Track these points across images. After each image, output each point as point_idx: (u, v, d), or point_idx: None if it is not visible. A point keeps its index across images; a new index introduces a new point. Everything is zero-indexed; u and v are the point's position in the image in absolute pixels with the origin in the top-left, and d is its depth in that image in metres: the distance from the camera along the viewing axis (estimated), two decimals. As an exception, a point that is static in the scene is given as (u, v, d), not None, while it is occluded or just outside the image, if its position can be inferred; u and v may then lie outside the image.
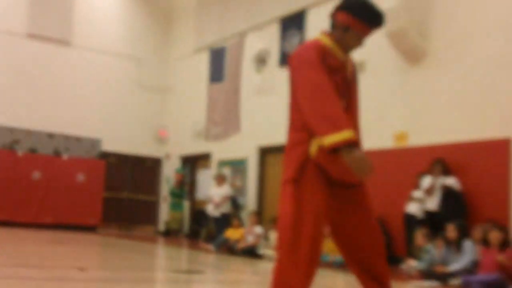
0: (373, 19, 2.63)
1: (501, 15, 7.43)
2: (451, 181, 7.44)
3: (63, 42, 13.26)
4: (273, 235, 9.24)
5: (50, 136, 12.93)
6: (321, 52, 2.59)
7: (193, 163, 13.61)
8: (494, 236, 6.59)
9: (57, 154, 12.94)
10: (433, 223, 7.45)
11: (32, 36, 12.85)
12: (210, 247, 9.74)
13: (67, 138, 13.18)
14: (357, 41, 2.69)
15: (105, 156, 13.65)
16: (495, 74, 7.38)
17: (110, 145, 13.71)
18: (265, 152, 11.33)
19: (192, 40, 13.63)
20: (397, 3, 8.00)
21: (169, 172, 13.72)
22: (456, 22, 7.93)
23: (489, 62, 7.45)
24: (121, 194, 14.01)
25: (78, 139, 13.32)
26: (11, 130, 12.45)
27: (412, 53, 8.26)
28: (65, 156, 12.93)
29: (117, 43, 14.02)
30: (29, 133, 12.61)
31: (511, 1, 7.37)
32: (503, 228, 6.72)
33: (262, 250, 9.04)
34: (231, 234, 9.78)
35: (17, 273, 4.63)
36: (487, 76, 7.46)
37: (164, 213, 13.74)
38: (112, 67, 13.90)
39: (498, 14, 7.47)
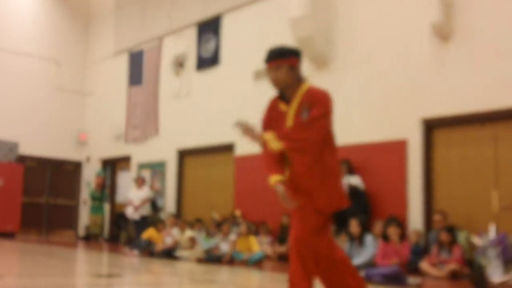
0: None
1: (396, 30, 8.01)
2: (355, 180, 7.92)
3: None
4: (186, 236, 9.46)
5: None
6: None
7: (113, 166, 13.59)
8: (393, 231, 7.16)
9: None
10: (338, 219, 7.88)
11: None
12: (134, 251, 9.77)
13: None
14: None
15: (23, 159, 13.34)
16: (394, 81, 7.94)
17: (28, 149, 13.43)
18: (184, 155, 11.52)
19: (112, 43, 13.60)
20: (304, 12, 8.44)
21: (90, 175, 13.61)
22: (359, 31, 8.47)
23: (388, 70, 8.01)
24: (40, 198, 13.75)
25: (-6, 142, 12.97)
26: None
27: (318, 59, 8.73)
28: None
29: (35, 45, 13.74)
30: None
31: (405, 19, 7.95)
32: (401, 224, 7.31)
33: (179, 252, 9.24)
34: (154, 235, 9.90)
35: None
36: (387, 82, 8.02)
37: (85, 217, 13.61)
38: (29, 69, 13.61)
39: (393, 29, 8.04)
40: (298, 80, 3.19)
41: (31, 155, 13.55)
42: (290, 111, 3.16)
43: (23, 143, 13.34)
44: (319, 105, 3.05)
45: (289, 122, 3.16)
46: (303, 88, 3.16)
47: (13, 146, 13.22)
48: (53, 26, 14.13)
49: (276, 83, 3.19)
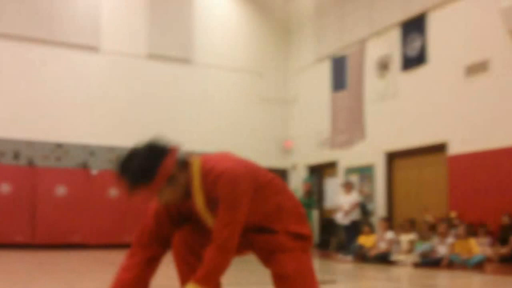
0: None
1: None
2: None
3: (184, 60, 14.34)
4: (405, 239, 9.52)
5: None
6: None
7: (319, 172, 14.18)
8: None
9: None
10: None
11: (153, 57, 14.03)
12: (347, 257, 10.11)
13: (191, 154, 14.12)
14: None
15: (230, 169, 14.41)
16: None
17: (234, 159, 14.48)
18: (392, 157, 11.66)
19: (313, 50, 14.30)
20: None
21: (297, 182, 14.32)
22: None
23: None
24: (246, 206, 14.73)
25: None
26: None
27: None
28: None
29: (237, 58, 14.97)
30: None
31: None
32: None
33: (395, 256, 9.32)
34: (364, 241, 10.16)
35: None
36: None
37: (294, 224, 14.26)
38: (233, 82, 14.85)
39: None
40: (182, 171, 2.51)
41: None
42: (200, 208, 2.59)
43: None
44: (229, 192, 2.46)
45: (209, 220, 2.59)
46: (196, 180, 2.54)
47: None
48: (254, 38, 15.30)
49: (167, 203, 2.60)
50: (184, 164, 2.52)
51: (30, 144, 12.46)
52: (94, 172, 12.65)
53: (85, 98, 13.05)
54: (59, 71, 12.90)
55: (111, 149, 13.08)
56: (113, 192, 12.55)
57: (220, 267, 2.45)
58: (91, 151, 12.94)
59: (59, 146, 12.69)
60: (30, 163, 12.38)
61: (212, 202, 2.53)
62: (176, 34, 14.19)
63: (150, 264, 2.63)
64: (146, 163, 2.42)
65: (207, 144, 14.25)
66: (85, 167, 12.78)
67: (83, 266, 8.19)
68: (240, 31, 15.15)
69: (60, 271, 7.32)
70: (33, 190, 11.99)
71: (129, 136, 13.43)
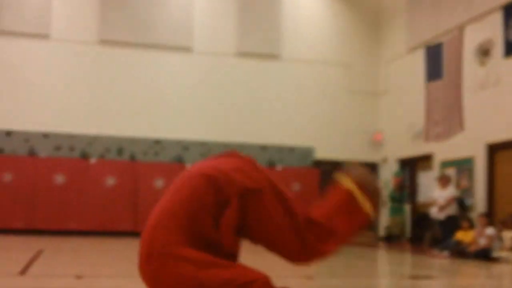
0: None
1: None
2: None
3: (272, 56, 14.57)
4: (508, 236, 9.14)
5: (263, 148, 14.21)
6: None
7: (412, 165, 13.88)
8: None
9: (271, 165, 14.10)
10: None
11: (242, 54, 14.37)
12: (443, 253, 9.86)
13: (280, 149, 14.35)
14: None
15: (319, 164, 14.52)
16: None
17: (323, 153, 14.57)
18: (494, 149, 11.15)
19: (405, 39, 13.99)
20: None
21: (387, 176, 14.12)
22: None
23: None
24: (337, 201, 14.74)
25: (291, 149, 14.40)
26: (227, 145, 13.98)
27: None
28: (279, 167, 14.05)
29: (325, 51, 14.98)
30: (243, 146, 14.06)
31: None
32: None
33: (496, 253, 8.97)
34: (462, 236, 9.86)
35: None
36: None
37: (384, 218, 14.11)
38: (321, 75, 14.89)
39: None
40: None
41: (326, 159, 14.66)
42: None
43: (318, 147, 14.56)
44: None
45: None
46: None
47: (308, 152, 14.53)
48: (343, 30, 15.22)
49: None
50: None
51: (132, 141, 13.33)
52: (188, 165, 13.23)
53: (180, 97, 13.73)
54: (157, 72, 13.69)
55: (203, 144, 13.68)
56: None
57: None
58: (185, 146, 13.57)
59: (157, 142, 13.45)
60: (132, 158, 13.27)
61: None
62: (264, 31, 14.46)
63: None
64: None
65: (296, 139, 14.46)
66: (180, 161, 13.43)
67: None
68: (327, 23, 15.13)
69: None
70: (134, 182, 12.81)
71: (220, 132, 14.00)
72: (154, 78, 13.67)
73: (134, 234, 12.29)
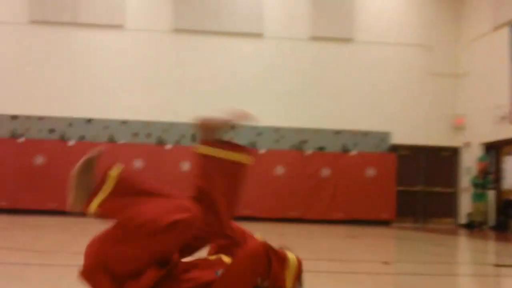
0: None
1: None
2: None
3: (347, 40, 14.39)
4: None
5: (337, 133, 14.09)
6: None
7: (497, 150, 13.30)
8: None
9: (345, 150, 13.99)
10: None
11: (315, 39, 14.25)
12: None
13: (354, 134, 14.17)
14: None
15: (396, 149, 14.25)
16: None
17: (401, 138, 14.28)
18: None
19: (488, 18, 13.36)
20: None
21: (470, 161, 13.64)
22: None
23: None
24: (415, 187, 14.45)
25: (366, 134, 14.20)
26: (300, 131, 14.01)
27: None
28: (353, 152, 13.90)
29: (402, 32, 14.59)
30: (316, 131, 14.00)
31: None
32: None
33: None
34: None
35: (319, 266, 5.06)
36: None
37: (465, 205, 13.67)
38: (398, 57, 14.52)
39: None
40: None
41: (403, 143, 14.36)
42: None
43: (395, 132, 14.26)
44: None
45: None
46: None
47: (385, 136, 14.27)
48: (422, 11, 14.75)
49: None
50: None
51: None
52: (262, 151, 13.38)
53: (254, 82, 13.85)
54: (229, 59, 13.90)
55: (276, 130, 13.77)
56: (279, 170, 13.28)
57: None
58: (258, 132, 13.70)
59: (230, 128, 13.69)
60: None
61: None
62: (339, 14, 14.33)
63: None
64: None
65: (372, 123, 14.24)
66: (253, 147, 13.60)
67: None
68: (404, 3, 14.71)
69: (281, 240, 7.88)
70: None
71: (293, 117, 14.03)
72: (226, 65, 13.87)
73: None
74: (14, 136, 13.00)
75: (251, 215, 12.92)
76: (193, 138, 13.51)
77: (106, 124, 13.35)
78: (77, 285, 3.72)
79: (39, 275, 4.00)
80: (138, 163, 12.86)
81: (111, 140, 13.24)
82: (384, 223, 13.55)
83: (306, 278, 3.96)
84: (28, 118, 13.19)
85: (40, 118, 13.23)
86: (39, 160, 12.69)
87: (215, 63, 13.88)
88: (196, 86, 13.70)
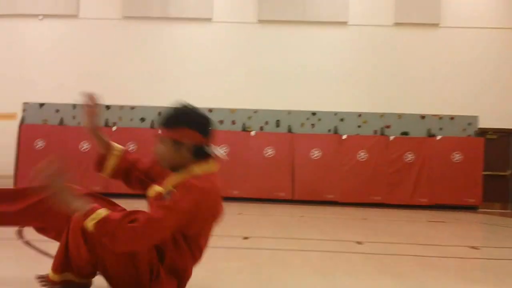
0: None
1: None
2: None
3: (432, 25, 14.20)
4: None
5: (422, 118, 13.96)
6: None
7: None
8: None
9: (430, 135, 13.84)
10: None
11: (399, 24, 14.17)
12: None
13: (440, 118, 13.98)
14: None
15: (483, 133, 13.95)
16: None
17: (489, 121, 13.96)
18: None
19: None
20: None
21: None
22: None
23: None
24: (503, 171, 14.10)
25: (452, 118, 13.96)
26: (383, 116, 13.99)
27: None
28: (438, 137, 13.73)
29: (489, 15, 14.18)
30: (400, 116, 13.94)
31: None
32: None
33: None
34: None
35: (403, 250, 5.14)
36: None
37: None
38: (485, 40, 14.16)
39: None
40: (188, 158, 2.66)
41: (491, 127, 14.03)
42: (166, 184, 2.71)
43: (482, 116, 13.95)
44: (180, 194, 2.52)
45: (152, 192, 2.78)
46: (191, 172, 2.66)
47: (472, 120, 13.97)
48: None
49: (157, 158, 2.74)
50: (202, 155, 2.68)
51: (289, 113, 14.01)
52: (344, 136, 13.60)
53: (337, 69, 14.08)
54: (312, 47, 14.19)
55: (358, 115, 13.91)
56: (362, 155, 13.44)
57: (123, 235, 2.41)
58: (340, 117, 13.92)
59: (313, 114, 14.00)
60: (289, 130, 13.95)
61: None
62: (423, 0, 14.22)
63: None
64: (181, 118, 2.70)
65: (457, 108, 14.02)
66: (335, 132, 13.83)
67: (339, 220, 9.06)
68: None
69: (319, 223, 8.26)
70: (291, 153, 13.52)
71: (376, 103, 14.08)
72: (309, 53, 14.17)
73: (291, 201, 13.09)
74: (107, 125, 13.95)
75: (334, 200, 13.22)
76: (277, 124, 13.94)
77: (193, 112, 14.04)
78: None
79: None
80: (223, 150, 13.47)
81: (198, 128, 13.91)
82: (470, 208, 13.37)
83: (389, 260, 4.24)
84: (121, 108, 14.10)
85: (132, 108, 14.11)
86: (131, 147, 13.56)
87: (298, 51, 14.19)
88: (280, 74, 14.09)
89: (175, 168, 2.71)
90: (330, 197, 13.28)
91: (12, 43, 14.36)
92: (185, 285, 2.79)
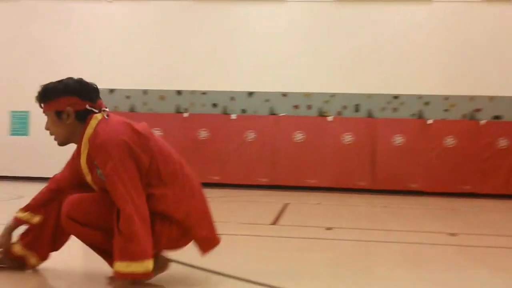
0: None
1: None
2: None
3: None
4: None
5: (512, 99, 13.55)
6: None
7: None
8: None
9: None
10: None
11: (490, 0, 13.75)
12: None
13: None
14: None
15: None
16: None
17: None
18: None
19: None
20: None
21: None
22: None
23: None
24: None
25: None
26: (473, 99, 13.62)
27: None
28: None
29: None
30: (492, 99, 13.50)
31: None
32: None
33: None
34: None
35: (498, 242, 5.12)
36: None
37: None
38: None
39: None
40: (77, 125, 2.91)
41: None
42: (82, 162, 2.95)
43: None
44: (103, 160, 2.77)
45: (88, 176, 2.97)
46: (88, 134, 2.89)
47: None
48: None
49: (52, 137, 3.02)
50: (85, 115, 2.90)
51: (369, 96, 13.93)
52: (430, 121, 13.39)
53: (421, 50, 13.84)
54: (391, 27, 13.99)
55: (446, 98, 13.64)
56: (449, 141, 13.20)
57: (134, 237, 2.65)
58: (425, 101, 13.69)
59: (395, 97, 13.83)
60: (369, 115, 13.90)
61: (90, 163, 2.89)
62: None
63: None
64: (55, 89, 2.91)
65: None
66: (420, 117, 13.63)
67: (425, 210, 9.01)
68: None
69: (404, 213, 8.27)
70: (372, 140, 13.45)
71: (464, 85, 13.74)
72: (390, 32, 13.96)
73: (371, 191, 13.03)
74: (179, 111, 14.39)
75: (418, 189, 13.06)
76: (356, 108, 13.90)
77: (267, 97, 14.23)
78: (243, 250, 4.39)
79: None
80: (298, 136, 13.58)
81: (272, 113, 14.09)
82: None
83: (483, 253, 4.26)
84: (192, 93, 14.51)
85: (203, 93, 14.48)
86: (203, 133, 13.94)
87: (378, 30, 14.02)
88: (358, 55, 14.00)
89: (70, 139, 2.99)
90: (414, 186, 13.12)
91: (81, 27, 15.03)
92: (192, 228, 2.97)
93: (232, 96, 14.34)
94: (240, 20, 14.60)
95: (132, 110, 14.47)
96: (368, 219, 7.37)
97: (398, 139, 13.31)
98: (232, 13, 14.64)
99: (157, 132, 13.63)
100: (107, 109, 3.02)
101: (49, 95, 2.94)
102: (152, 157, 2.89)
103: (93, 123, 2.91)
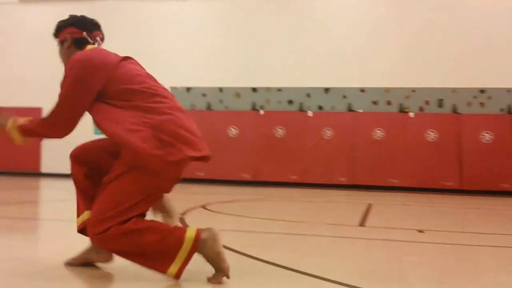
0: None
1: None
2: None
3: None
4: None
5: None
6: None
7: None
8: None
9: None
10: None
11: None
12: None
13: None
14: None
15: None
16: None
17: None
18: None
19: None
20: None
21: None
22: None
23: None
24: None
25: None
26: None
27: None
28: None
29: None
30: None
31: None
32: None
33: None
34: None
35: None
36: None
37: None
38: None
39: None
40: (76, 52, 3.31)
41: None
42: None
43: None
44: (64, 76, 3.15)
45: None
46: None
47: None
48: None
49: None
50: (82, 43, 3.33)
51: (453, 91, 13.47)
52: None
53: (507, 40, 13.28)
54: (483, 12, 13.50)
55: (481, 91, 13.13)
56: (485, 136, 12.67)
57: (37, 132, 3.16)
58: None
59: (482, 91, 13.31)
60: (454, 110, 13.41)
61: None
62: None
63: None
64: (60, 24, 3.40)
65: None
66: (509, 112, 13.07)
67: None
68: None
69: (503, 215, 7.92)
70: (457, 137, 12.98)
71: (501, 76, 13.07)
72: (476, 20, 13.47)
73: (458, 191, 12.61)
74: (254, 108, 14.43)
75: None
76: (439, 104, 13.48)
77: (344, 92, 14.03)
78: (333, 251, 4.28)
79: (295, 243, 4.72)
80: (378, 133, 13.30)
81: (350, 109, 13.88)
82: None
83: None
84: (268, 90, 14.50)
85: (279, 90, 14.45)
86: (279, 131, 13.90)
87: (463, 21, 13.56)
88: (442, 47, 13.59)
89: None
90: (505, 186, 12.58)
91: (158, 26, 15.34)
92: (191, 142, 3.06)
93: (308, 93, 14.25)
94: (317, 15, 14.47)
95: (208, 108, 14.64)
96: (461, 221, 7.12)
97: (486, 136, 12.80)
98: (309, 8, 14.53)
99: (233, 130, 13.72)
100: (100, 41, 3.44)
101: (57, 29, 3.44)
102: (111, 81, 3.13)
103: (87, 49, 3.31)
